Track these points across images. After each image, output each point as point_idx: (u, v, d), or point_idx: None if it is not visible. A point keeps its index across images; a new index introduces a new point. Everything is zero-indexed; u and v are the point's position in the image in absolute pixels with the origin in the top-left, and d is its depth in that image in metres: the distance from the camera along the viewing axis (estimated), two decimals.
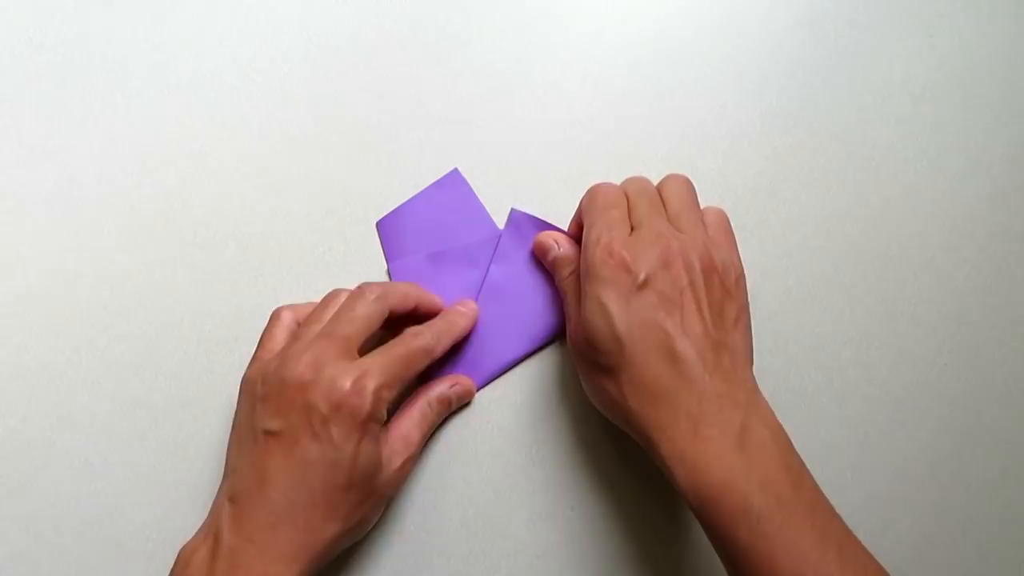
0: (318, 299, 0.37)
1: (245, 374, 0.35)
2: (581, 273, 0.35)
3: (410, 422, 0.37)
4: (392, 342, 0.36)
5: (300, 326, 0.36)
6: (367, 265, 0.42)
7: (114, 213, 0.42)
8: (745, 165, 0.43)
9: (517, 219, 0.41)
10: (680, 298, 0.33)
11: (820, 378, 0.41)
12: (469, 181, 0.43)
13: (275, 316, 0.37)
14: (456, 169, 0.42)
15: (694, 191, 0.37)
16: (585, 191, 0.38)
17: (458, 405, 0.40)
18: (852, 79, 0.44)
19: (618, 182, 0.42)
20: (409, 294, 0.37)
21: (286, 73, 0.44)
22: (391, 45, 0.44)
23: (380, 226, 0.42)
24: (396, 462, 0.35)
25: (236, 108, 0.43)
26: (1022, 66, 0.44)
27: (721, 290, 0.34)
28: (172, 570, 0.32)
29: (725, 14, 0.44)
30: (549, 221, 0.42)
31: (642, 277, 0.33)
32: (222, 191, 0.43)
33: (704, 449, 0.31)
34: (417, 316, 0.38)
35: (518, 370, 0.41)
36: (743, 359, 0.34)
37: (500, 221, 0.42)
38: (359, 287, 0.36)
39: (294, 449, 0.32)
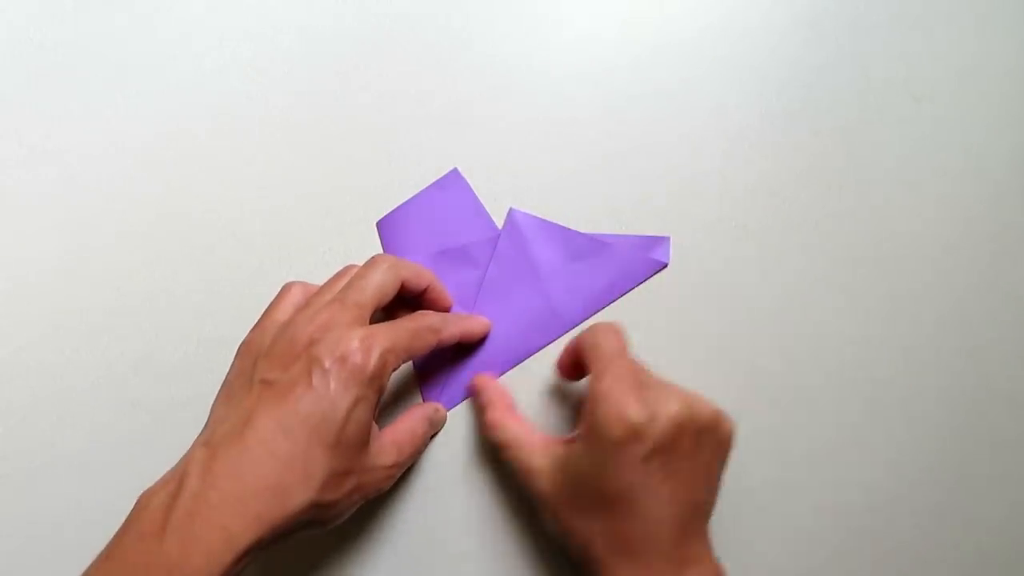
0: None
1: (246, 337, 0.35)
2: (587, 422, 0.33)
3: (404, 433, 0.36)
4: (402, 317, 0.36)
5: (311, 297, 0.35)
6: None
7: (114, 213, 0.42)
8: (745, 165, 0.43)
9: (516, 219, 0.41)
10: (682, 464, 0.32)
11: (820, 378, 0.41)
12: (469, 181, 0.43)
13: (285, 288, 0.37)
14: (456, 169, 0.42)
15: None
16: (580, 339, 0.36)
17: (436, 428, 0.40)
18: (852, 79, 0.44)
19: (617, 181, 0.42)
20: (423, 272, 0.38)
21: (286, 73, 0.44)
22: (391, 45, 0.44)
23: (380, 226, 0.42)
24: (385, 460, 0.34)
25: (236, 108, 0.43)
26: (1022, 66, 0.44)
27: (717, 446, 0.34)
28: (129, 515, 0.31)
29: (725, 14, 0.44)
30: (548, 220, 0.42)
31: (648, 450, 0.31)
32: (222, 191, 0.43)
33: None
34: (427, 301, 0.39)
35: (516, 370, 0.41)
36: (709, 512, 0.34)
37: (500, 221, 0.42)
38: (372, 257, 0.36)
39: (287, 397, 0.31)
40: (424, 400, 0.41)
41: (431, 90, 0.44)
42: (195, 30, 0.44)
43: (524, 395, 0.41)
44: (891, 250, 0.42)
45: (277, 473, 0.30)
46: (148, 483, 0.40)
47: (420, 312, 0.37)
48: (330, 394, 0.31)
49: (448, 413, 0.40)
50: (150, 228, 0.42)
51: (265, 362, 0.33)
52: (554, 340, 0.41)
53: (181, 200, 0.42)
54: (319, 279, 0.41)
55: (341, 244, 0.42)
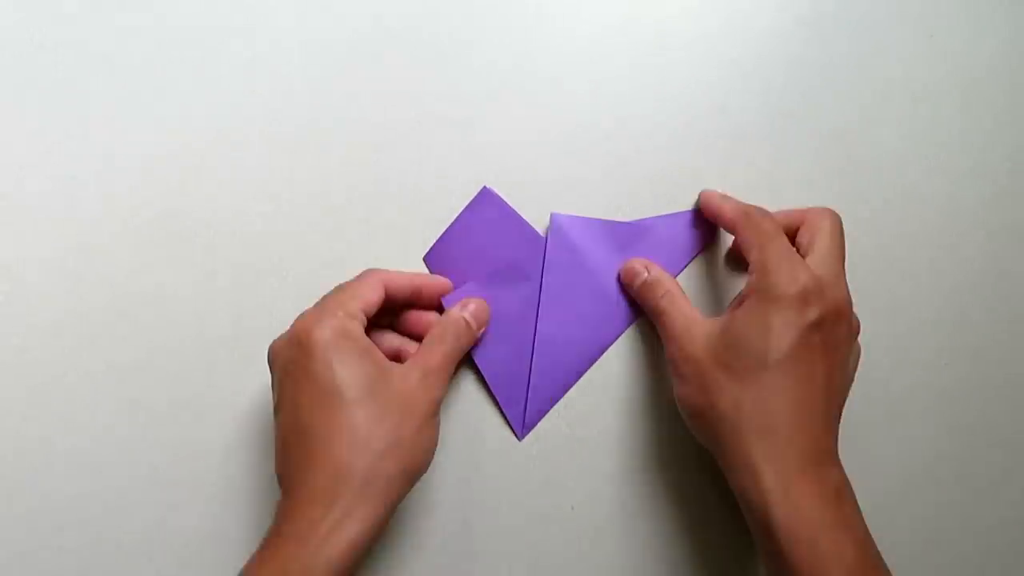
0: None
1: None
2: (753, 282, 0.34)
3: (424, 345, 0.36)
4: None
5: None
6: (367, 265, 0.42)
7: (114, 213, 0.42)
8: (745, 165, 0.43)
9: (560, 223, 0.41)
10: (835, 352, 0.34)
11: None
12: (468, 181, 0.42)
13: None
14: (485, 187, 0.42)
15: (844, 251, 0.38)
16: (733, 208, 0.38)
17: (479, 328, 0.39)
18: (852, 79, 0.44)
19: (617, 181, 0.42)
20: (403, 280, 0.38)
21: (286, 74, 0.44)
22: (391, 45, 0.44)
23: (427, 261, 0.41)
24: (413, 377, 0.34)
25: (236, 108, 0.43)
26: (1022, 66, 0.44)
27: (853, 370, 0.36)
28: None
29: (726, 14, 0.44)
30: (589, 216, 0.41)
31: (816, 316, 0.33)
32: (222, 191, 0.43)
33: (811, 491, 0.31)
34: (425, 303, 0.39)
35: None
36: (840, 416, 0.35)
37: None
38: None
39: (287, 408, 0.33)
40: (509, 417, 0.40)
41: (431, 90, 0.44)
42: (196, 30, 0.44)
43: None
44: (891, 250, 0.42)
45: (331, 465, 0.32)
46: (148, 483, 0.40)
47: (368, 271, 0.38)
48: (309, 375, 0.33)
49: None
50: (150, 228, 0.42)
51: (273, 395, 0.36)
52: (622, 332, 0.41)
53: (181, 200, 0.42)
54: (318, 279, 0.41)
55: (341, 244, 0.42)
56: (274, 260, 0.42)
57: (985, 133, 0.44)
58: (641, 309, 0.40)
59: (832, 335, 0.33)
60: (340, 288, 0.36)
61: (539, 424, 0.40)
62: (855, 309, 0.35)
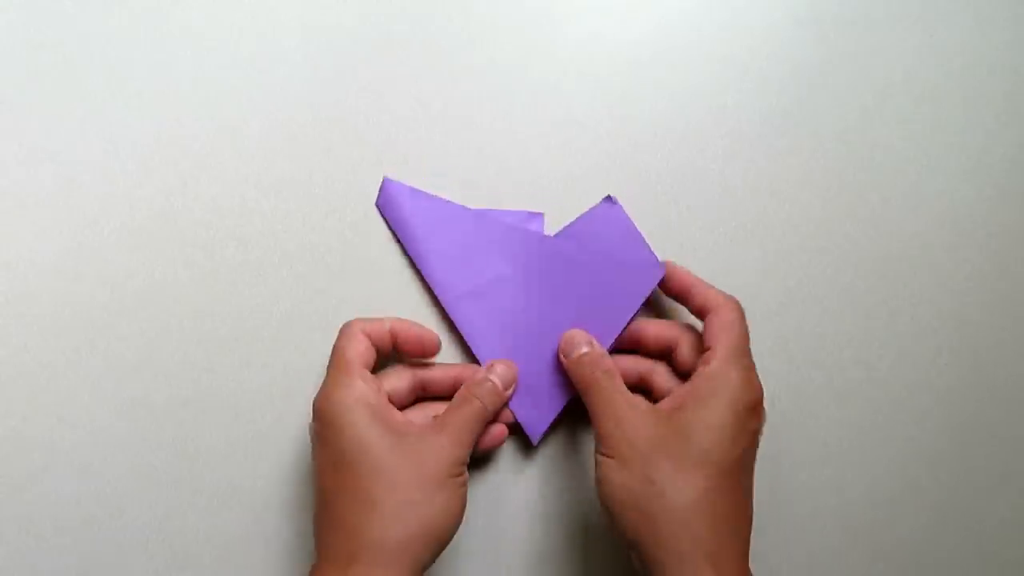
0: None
1: None
2: (716, 384, 0.34)
3: (455, 421, 0.36)
4: None
5: None
6: (367, 265, 0.42)
7: (114, 213, 0.42)
8: (745, 165, 0.43)
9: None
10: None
11: (820, 378, 0.41)
12: (468, 181, 0.42)
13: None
14: (609, 197, 0.40)
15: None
16: (719, 303, 0.36)
17: (507, 389, 0.38)
18: (852, 79, 0.44)
19: (618, 181, 0.42)
20: (380, 325, 0.37)
21: (286, 73, 0.44)
22: (391, 45, 0.44)
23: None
24: (435, 445, 0.34)
25: (236, 108, 0.43)
26: (1022, 66, 0.44)
27: None
28: None
29: (725, 14, 0.44)
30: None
31: (758, 425, 0.35)
32: (222, 191, 0.43)
33: None
34: (406, 348, 0.38)
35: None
36: None
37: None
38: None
39: (313, 472, 0.35)
40: (520, 420, 0.40)
41: (431, 90, 0.44)
42: (195, 30, 0.44)
43: None
44: (891, 250, 0.42)
45: (352, 529, 0.32)
46: (148, 483, 0.40)
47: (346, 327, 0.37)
48: (323, 445, 0.34)
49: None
50: (150, 228, 0.42)
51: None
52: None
53: (181, 200, 0.42)
54: (318, 279, 0.42)
55: (340, 244, 0.42)
56: (274, 260, 0.42)
57: (985, 133, 0.44)
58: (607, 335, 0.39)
59: (759, 436, 0.35)
60: (333, 352, 0.36)
61: (551, 430, 0.40)
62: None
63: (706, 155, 0.43)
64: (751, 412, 0.34)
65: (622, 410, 0.34)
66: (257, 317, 0.41)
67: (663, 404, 0.35)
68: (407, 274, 0.42)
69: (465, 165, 0.43)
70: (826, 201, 0.43)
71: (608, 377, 0.36)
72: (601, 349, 0.37)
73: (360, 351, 0.36)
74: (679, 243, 0.42)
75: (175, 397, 0.41)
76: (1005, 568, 0.40)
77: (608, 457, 0.34)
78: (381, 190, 0.42)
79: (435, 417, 0.36)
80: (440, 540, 0.33)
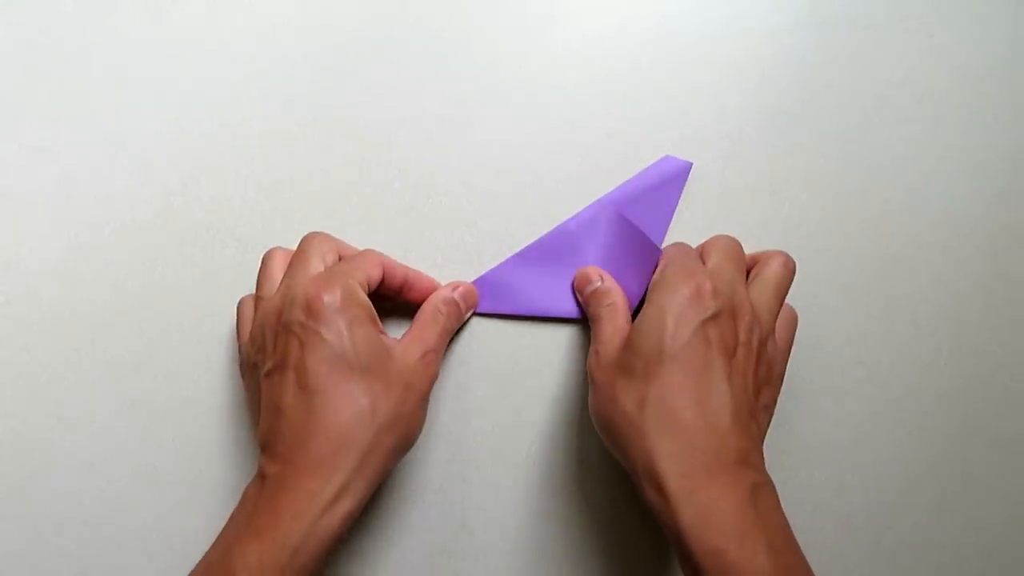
0: None
1: (238, 359, 0.36)
2: (653, 282, 0.35)
3: (419, 324, 0.37)
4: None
5: (256, 287, 0.36)
6: None
7: (114, 213, 0.42)
8: (745, 165, 0.43)
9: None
10: (735, 351, 0.33)
11: (820, 378, 0.41)
12: (468, 181, 0.42)
13: (267, 258, 0.37)
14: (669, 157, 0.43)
15: (787, 285, 0.37)
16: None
17: (467, 311, 0.40)
18: (852, 79, 0.44)
19: (618, 181, 0.42)
20: (396, 266, 0.38)
21: (286, 73, 0.44)
22: (391, 45, 0.44)
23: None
24: (414, 354, 0.35)
25: (236, 108, 0.43)
26: (1022, 66, 0.44)
27: (767, 374, 0.34)
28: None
29: (725, 15, 0.44)
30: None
31: (711, 311, 0.32)
32: (222, 191, 0.43)
33: (719, 495, 0.29)
34: (409, 294, 0.39)
35: (519, 369, 0.41)
36: (762, 433, 0.34)
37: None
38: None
39: (289, 370, 0.32)
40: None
41: (431, 90, 0.44)
42: (195, 30, 0.44)
43: (525, 394, 0.41)
44: (891, 250, 0.42)
45: (325, 424, 0.31)
46: (148, 483, 0.40)
47: (370, 250, 0.38)
48: (322, 338, 0.32)
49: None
50: (150, 228, 0.42)
51: (260, 358, 0.34)
52: (567, 322, 0.41)
53: (181, 200, 0.42)
54: None
55: None
56: None
57: (986, 133, 0.44)
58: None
59: (733, 328, 0.33)
60: (345, 260, 0.36)
61: (539, 424, 0.40)
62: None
63: (706, 155, 0.43)
64: (691, 300, 0.32)
65: (605, 338, 0.35)
66: None
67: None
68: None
69: (465, 165, 0.43)
70: (826, 201, 0.43)
71: (610, 311, 0.37)
72: (611, 284, 0.38)
73: (371, 275, 0.36)
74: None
75: (175, 397, 0.41)
76: (1005, 568, 0.40)
77: (590, 385, 0.35)
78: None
79: (411, 334, 0.36)
80: (406, 452, 0.34)
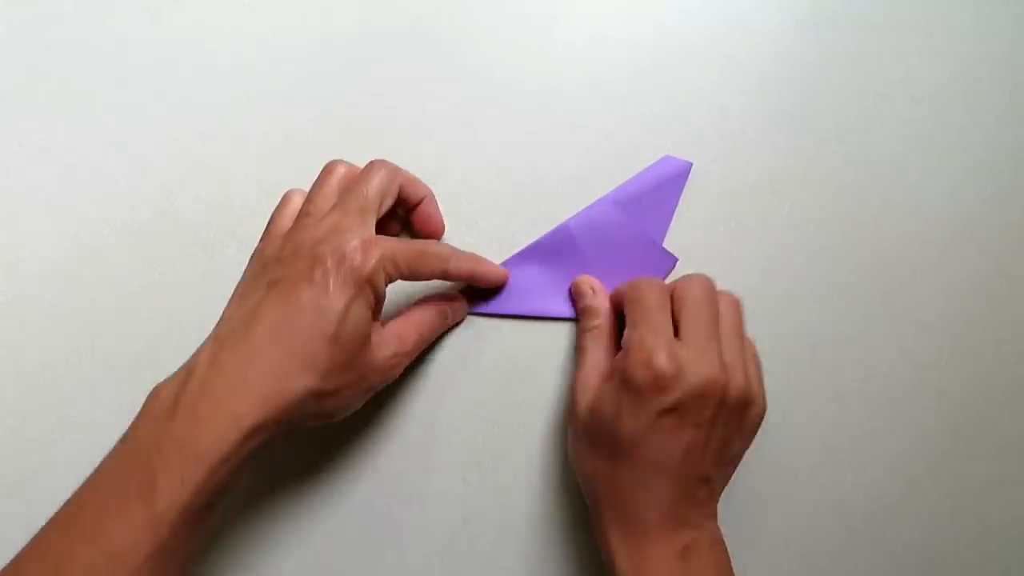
0: None
1: (256, 247, 0.36)
2: (614, 365, 0.34)
3: (405, 323, 0.37)
4: (414, 240, 0.37)
5: (307, 202, 0.36)
6: None
7: (114, 213, 0.42)
8: (745, 165, 0.43)
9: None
10: (696, 430, 0.33)
11: (820, 378, 0.41)
12: (468, 181, 0.42)
13: (286, 198, 0.37)
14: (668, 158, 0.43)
15: (743, 315, 0.36)
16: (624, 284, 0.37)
17: (452, 321, 0.40)
18: (852, 79, 0.44)
19: (618, 181, 0.42)
20: (419, 183, 0.38)
21: (286, 73, 0.44)
22: (391, 45, 0.44)
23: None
24: (386, 352, 0.35)
25: (236, 108, 0.43)
26: (1022, 66, 0.44)
27: (738, 426, 0.34)
28: (143, 404, 0.33)
29: (725, 15, 0.44)
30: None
31: (671, 402, 0.32)
32: (222, 191, 0.43)
33: (657, 553, 0.32)
34: (419, 217, 0.39)
35: (519, 368, 0.41)
36: (717, 489, 0.35)
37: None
38: (370, 162, 0.36)
39: (291, 294, 0.32)
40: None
41: (431, 90, 0.44)
42: (195, 30, 0.44)
43: (525, 394, 0.41)
44: (891, 250, 0.42)
45: (280, 360, 0.31)
46: None
47: (433, 240, 0.38)
48: (329, 291, 0.32)
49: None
50: (150, 228, 0.42)
51: (274, 266, 0.34)
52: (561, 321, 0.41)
53: (181, 200, 0.42)
54: None
55: None
56: None
57: (986, 133, 0.44)
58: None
59: (693, 416, 0.33)
60: (361, 183, 0.35)
61: (539, 423, 0.40)
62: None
63: (706, 155, 0.43)
64: (649, 391, 0.32)
65: (580, 383, 0.37)
66: None
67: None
68: None
69: (465, 165, 0.43)
70: (826, 201, 0.43)
71: (594, 336, 0.38)
72: (599, 303, 0.39)
73: (387, 204, 0.36)
74: (680, 243, 0.42)
75: None
76: (1005, 568, 0.40)
77: (568, 428, 0.37)
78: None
79: (394, 329, 0.36)
80: (322, 422, 0.35)
